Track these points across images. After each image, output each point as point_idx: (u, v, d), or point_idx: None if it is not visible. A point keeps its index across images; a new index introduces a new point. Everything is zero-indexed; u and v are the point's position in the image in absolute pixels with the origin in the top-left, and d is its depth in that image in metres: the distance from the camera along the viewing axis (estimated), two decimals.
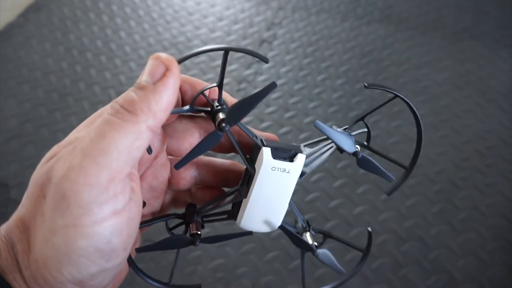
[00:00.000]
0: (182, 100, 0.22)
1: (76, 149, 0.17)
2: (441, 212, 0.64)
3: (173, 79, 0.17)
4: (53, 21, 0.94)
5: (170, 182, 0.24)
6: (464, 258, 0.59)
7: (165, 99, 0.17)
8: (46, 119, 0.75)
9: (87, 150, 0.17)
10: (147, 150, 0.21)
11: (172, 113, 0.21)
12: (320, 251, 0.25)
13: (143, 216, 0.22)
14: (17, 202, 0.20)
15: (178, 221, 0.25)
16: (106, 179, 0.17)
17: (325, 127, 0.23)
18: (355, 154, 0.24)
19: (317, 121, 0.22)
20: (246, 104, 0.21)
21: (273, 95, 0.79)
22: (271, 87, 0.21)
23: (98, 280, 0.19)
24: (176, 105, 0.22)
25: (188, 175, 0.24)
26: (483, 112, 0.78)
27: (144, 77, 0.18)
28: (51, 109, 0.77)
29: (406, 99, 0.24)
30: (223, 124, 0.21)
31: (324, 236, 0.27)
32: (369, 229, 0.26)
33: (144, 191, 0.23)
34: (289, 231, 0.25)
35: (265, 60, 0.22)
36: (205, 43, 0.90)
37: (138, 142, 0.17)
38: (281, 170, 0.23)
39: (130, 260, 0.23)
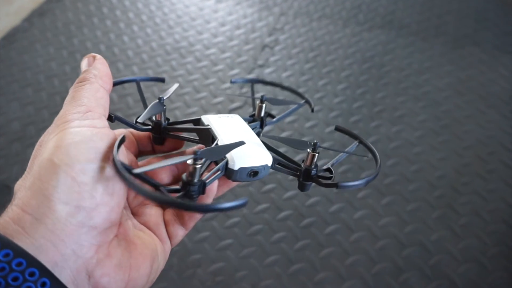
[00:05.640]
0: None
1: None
2: (442, 217, 0.64)
3: (100, 59, 0.27)
4: (57, 25, 0.95)
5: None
6: (465, 264, 0.59)
7: (101, 68, 0.26)
8: (48, 122, 0.75)
9: (66, 101, 0.26)
10: (111, 116, 0.28)
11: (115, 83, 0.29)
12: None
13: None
14: None
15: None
16: (83, 109, 0.24)
17: None
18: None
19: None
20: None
21: None
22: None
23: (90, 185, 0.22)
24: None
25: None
26: (484, 118, 0.78)
27: (83, 67, 0.27)
28: (54, 112, 0.77)
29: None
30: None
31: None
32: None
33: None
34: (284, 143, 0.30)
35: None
36: (208, 48, 0.91)
37: (98, 93, 0.25)
38: (226, 117, 0.31)
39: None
